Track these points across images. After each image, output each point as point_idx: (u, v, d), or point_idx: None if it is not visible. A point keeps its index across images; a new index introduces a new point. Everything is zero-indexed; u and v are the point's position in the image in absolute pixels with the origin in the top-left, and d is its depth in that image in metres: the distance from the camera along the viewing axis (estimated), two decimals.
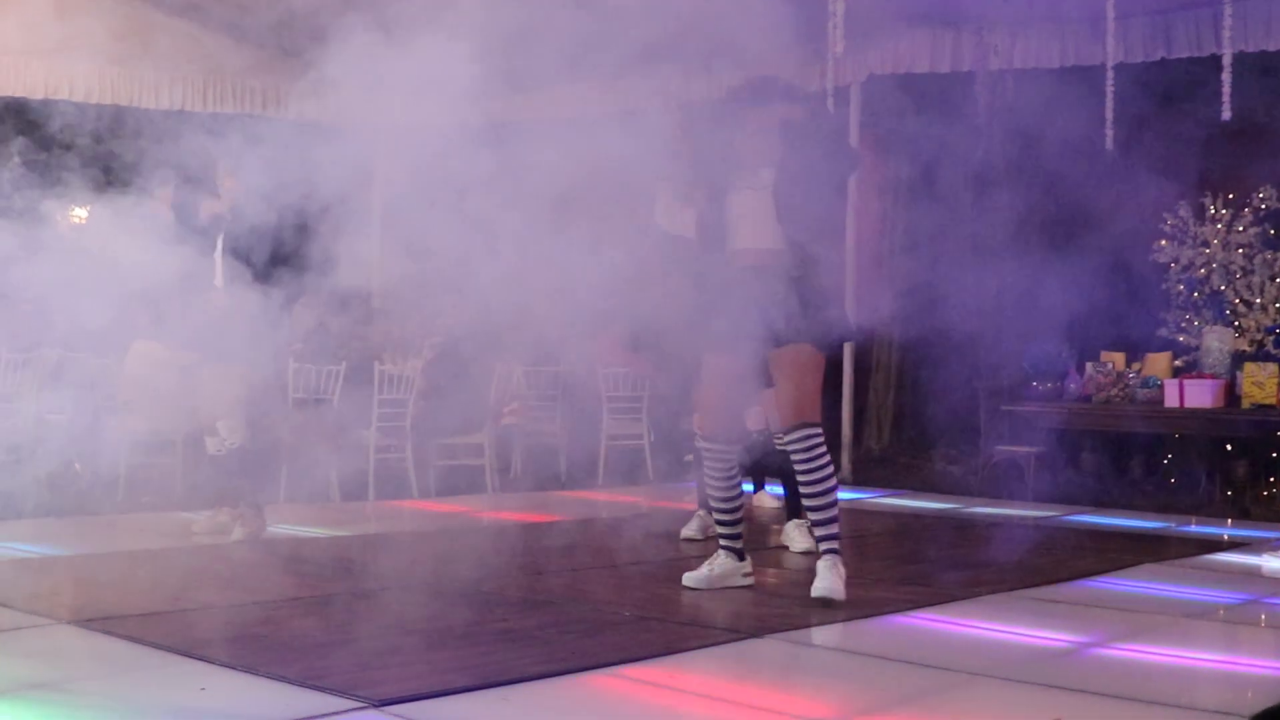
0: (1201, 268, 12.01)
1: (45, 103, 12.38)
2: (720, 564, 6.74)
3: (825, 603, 6.25)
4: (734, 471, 6.68)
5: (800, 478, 6.41)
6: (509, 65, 9.19)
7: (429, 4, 7.92)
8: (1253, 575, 8.02)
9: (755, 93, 6.49)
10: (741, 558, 6.79)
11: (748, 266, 6.35)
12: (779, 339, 6.29)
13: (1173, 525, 10.03)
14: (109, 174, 8.80)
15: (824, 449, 6.34)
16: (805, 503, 6.48)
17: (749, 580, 6.78)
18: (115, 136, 10.60)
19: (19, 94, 12.29)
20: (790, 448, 6.38)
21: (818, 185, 6.28)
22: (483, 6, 7.52)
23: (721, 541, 6.79)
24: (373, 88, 10.43)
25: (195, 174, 8.52)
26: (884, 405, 14.73)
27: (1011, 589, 7.07)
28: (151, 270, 8.38)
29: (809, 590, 6.46)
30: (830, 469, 6.37)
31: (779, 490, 8.81)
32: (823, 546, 6.43)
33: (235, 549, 8.06)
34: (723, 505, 6.74)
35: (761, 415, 8.75)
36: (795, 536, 8.26)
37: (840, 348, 6.96)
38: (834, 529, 6.41)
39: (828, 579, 6.32)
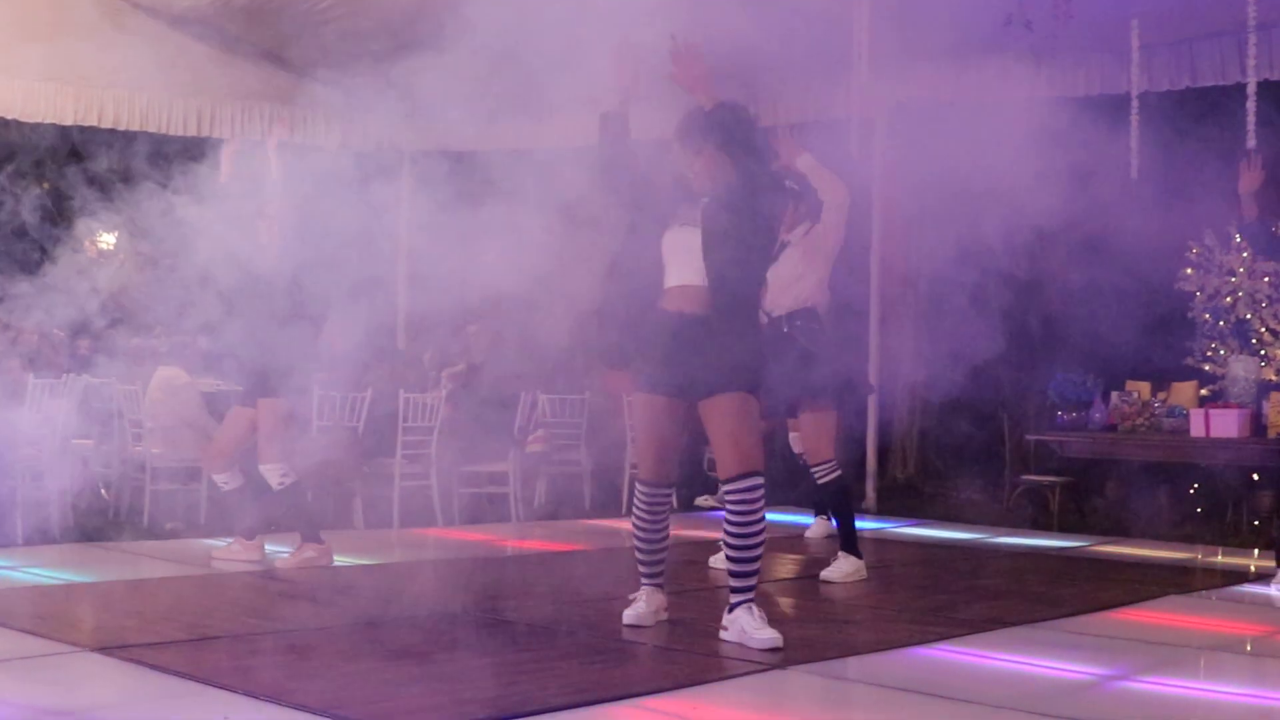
0: (1227, 296, 11.97)
1: (75, 129, 12.47)
2: (653, 597, 6.64)
3: (775, 651, 5.99)
4: (664, 515, 6.52)
5: (731, 527, 6.16)
6: (530, 91, 9.24)
7: (446, 31, 7.97)
8: (1279, 607, 7.97)
9: (687, 131, 6.30)
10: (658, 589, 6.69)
11: (676, 312, 6.23)
12: (707, 388, 6.16)
13: (1198, 556, 9.97)
14: (136, 200, 8.84)
15: (762, 502, 6.12)
16: (729, 552, 6.19)
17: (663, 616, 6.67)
18: (144, 162, 10.67)
19: (50, 120, 12.35)
20: (731, 498, 6.15)
21: (746, 226, 6.14)
22: (497, 34, 7.56)
23: (645, 580, 6.65)
24: (403, 115, 10.53)
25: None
26: (909, 434, 14.71)
27: (1036, 620, 7.04)
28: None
29: (836, 621, 6.45)
30: (763, 523, 6.16)
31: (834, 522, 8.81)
32: (738, 598, 6.17)
33: (258, 577, 8.07)
34: (645, 545, 6.57)
35: (799, 440, 8.78)
36: (837, 564, 8.25)
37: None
38: (752, 581, 6.18)
39: (765, 631, 6.08)
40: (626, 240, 6.50)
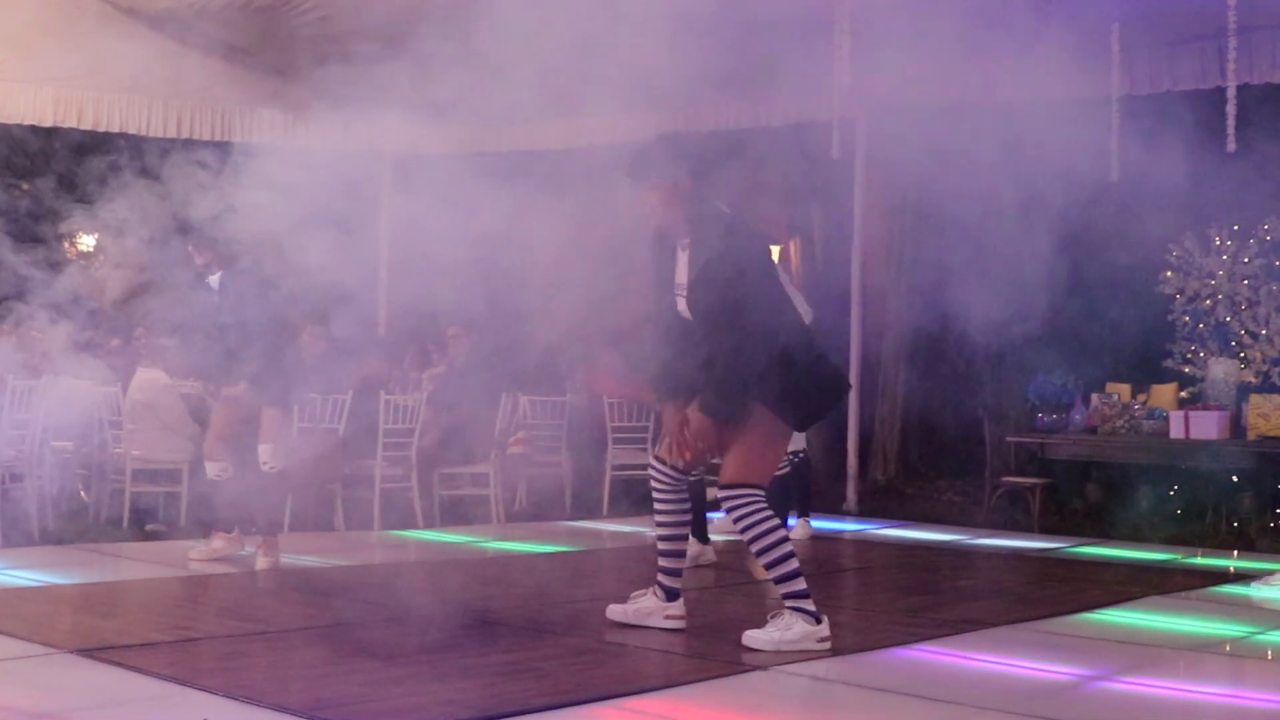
0: (1207, 299, 12.01)
1: (54, 130, 12.44)
2: (645, 600, 6.59)
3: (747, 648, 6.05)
4: (683, 500, 6.48)
5: (742, 536, 6.23)
6: (510, 96, 9.24)
7: (428, 35, 7.97)
8: (1258, 607, 8.00)
9: (631, 167, 6.34)
10: (672, 598, 6.56)
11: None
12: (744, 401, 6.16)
13: (1178, 557, 9.99)
14: (116, 202, 8.82)
15: (758, 508, 6.10)
16: (759, 560, 6.27)
17: (672, 624, 6.50)
18: (124, 164, 10.62)
19: (29, 121, 12.31)
20: (725, 505, 6.19)
21: (722, 286, 6.09)
22: (486, 38, 7.56)
23: (661, 576, 6.58)
24: (377, 116, 10.54)
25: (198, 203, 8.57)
26: (889, 436, 14.73)
27: (1016, 621, 7.06)
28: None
29: None
30: (771, 524, 6.12)
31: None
32: (787, 604, 6.17)
33: (239, 578, 8.06)
34: (664, 534, 6.53)
35: None
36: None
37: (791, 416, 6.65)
38: (794, 585, 6.15)
39: (761, 629, 6.11)
40: (656, 298, 6.49)
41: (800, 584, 6.16)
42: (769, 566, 6.18)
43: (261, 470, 8.38)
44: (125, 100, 12.73)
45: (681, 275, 6.28)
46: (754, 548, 6.18)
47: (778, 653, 5.99)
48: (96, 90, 12.54)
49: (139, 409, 10.50)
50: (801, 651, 6.00)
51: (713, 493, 11.40)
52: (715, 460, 7.97)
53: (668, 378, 6.44)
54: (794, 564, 6.16)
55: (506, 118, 12.86)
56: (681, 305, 6.29)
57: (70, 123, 12.50)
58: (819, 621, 6.14)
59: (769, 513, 6.14)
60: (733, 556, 9.22)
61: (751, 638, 6.09)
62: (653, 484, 6.52)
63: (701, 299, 6.16)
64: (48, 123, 12.41)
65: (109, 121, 12.69)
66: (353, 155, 12.59)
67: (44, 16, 11.88)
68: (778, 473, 8.20)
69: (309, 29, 12.10)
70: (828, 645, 6.11)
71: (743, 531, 6.17)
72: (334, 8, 11.86)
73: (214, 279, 8.41)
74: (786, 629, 6.09)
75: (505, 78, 7.88)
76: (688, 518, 6.60)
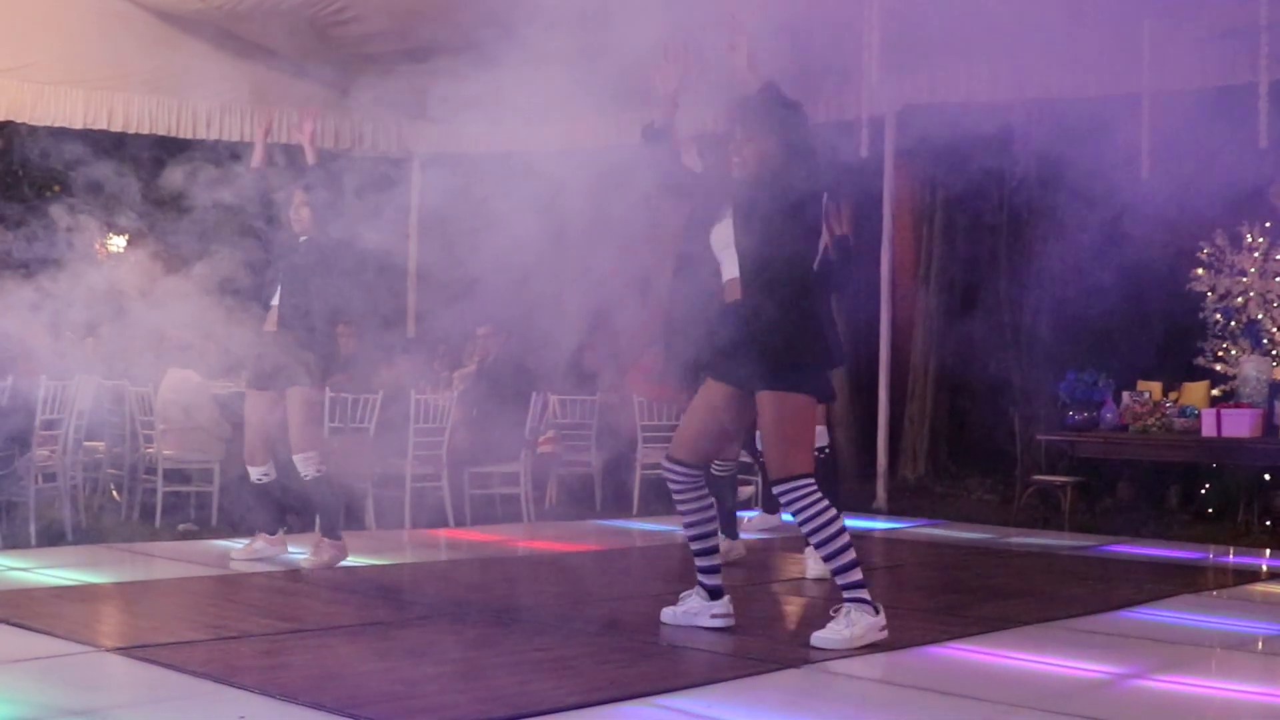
0: (1239, 296, 11.96)
1: (85, 132, 12.49)
2: (691, 601, 6.56)
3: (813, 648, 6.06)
4: (697, 494, 6.41)
5: (801, 529, 6.26)
6: (538, 95, 9.26)
7: (465, 37, 7.99)
8: None
9: (744, 116, 6.28)
10: (715, 596, 6.53)
11: (730, 303, 6.24)
12: (750, 382, 6.17)
13: (1210, 556, 9.97)
14: (150, 205, 8.88)
15: (813, 499, 6.09)
16: (817, 552, 6.30)
17: (718, 622, 6.47)
18: (156, 167, 10.68)
19: (59, 123, 12.37)
20: (781, 500, 6.23)
21: (778, 207, 6.09)
22: (518, 37, 7.59)
23: (699, 576, 6.56)
24: (415, 119, 10.55)
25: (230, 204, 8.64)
26: (919, 434, 14.72)
27: (1048, 620, 7.04)
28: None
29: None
30: (828, 516, 6.10)
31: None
32: (845, 595, 6.18)
33: (272, 577, 8.09)
34: (691, 534, 6.51)
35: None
36: (809, 563, 8.21)
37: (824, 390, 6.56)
38: (852, 576, 6.14)
39: (826, 629, 6.10)
40: (684, 241, 6.51)
41: (858, 574, 6.15)
42: (827, 557, 6.18)
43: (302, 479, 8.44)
44: (153, 101, 12.81)
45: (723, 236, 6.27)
46: (812, 539, 6.20)
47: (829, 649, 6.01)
48: (122, 90, 12.62)
49: (171, 409, 10.54)
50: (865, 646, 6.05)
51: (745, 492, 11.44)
52: (729, 457, 7.99)
53: (695, 355, 6.44)
54: (851, 554, 6.14)
55: (538, 116, 12.90)
56: (722, 230, 6.25)
57: (100, 124, 12.57)
58: (877, 611, 6.16)
59: (825, 503, 6.12)
60: (764, 554, 9.24)
61: (821, 639, 6.07)
62: (669, 486, 6.50)
63: (755, 222, 6.12)
64: (77, 124, 12.49)
65: (137, 122, 12.77)
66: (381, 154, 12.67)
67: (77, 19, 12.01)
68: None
69: (341, 31, 12.18)
70: (886, 634, 6.14)
71: (801, 524, 6.18)
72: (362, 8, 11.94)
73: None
74: (853, 625, 6.09)
75: (538, 77, 7.90)
76: (713, 514, 6.55)
